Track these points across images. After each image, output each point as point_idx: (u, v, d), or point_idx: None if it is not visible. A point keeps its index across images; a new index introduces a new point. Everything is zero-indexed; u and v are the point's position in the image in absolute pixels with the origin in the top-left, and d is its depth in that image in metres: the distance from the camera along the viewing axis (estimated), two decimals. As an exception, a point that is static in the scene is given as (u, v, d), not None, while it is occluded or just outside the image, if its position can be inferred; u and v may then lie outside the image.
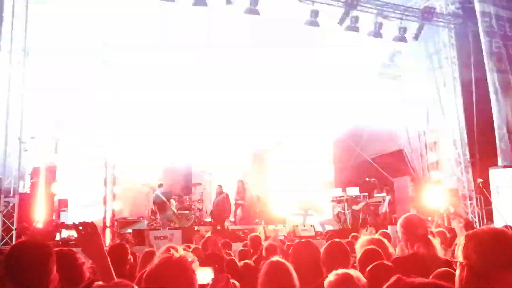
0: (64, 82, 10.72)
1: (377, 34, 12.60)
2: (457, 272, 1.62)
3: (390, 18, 12.73)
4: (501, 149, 12.11)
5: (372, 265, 2.97)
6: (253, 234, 8.29)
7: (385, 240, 3.90)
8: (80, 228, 2.22)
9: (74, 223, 2.25)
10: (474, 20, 12.70)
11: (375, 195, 14.44)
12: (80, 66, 11.34)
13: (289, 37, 12.14)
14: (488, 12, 12.73)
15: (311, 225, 12.91)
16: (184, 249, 5.35)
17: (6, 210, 9.32)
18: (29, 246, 2.14)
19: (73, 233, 9.09)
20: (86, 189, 13.78)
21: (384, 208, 13.72)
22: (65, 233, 10.33)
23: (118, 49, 11.75)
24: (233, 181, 14.66)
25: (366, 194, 14.41)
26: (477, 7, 12.66)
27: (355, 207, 14.02)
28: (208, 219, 13.92)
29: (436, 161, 13.42)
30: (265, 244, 6.27)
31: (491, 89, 12.39)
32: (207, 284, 2.36)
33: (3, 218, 9.25)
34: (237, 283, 3.39)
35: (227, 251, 6.72)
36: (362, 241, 3.89)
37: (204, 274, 2.36)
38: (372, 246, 3.58)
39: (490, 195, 11.31)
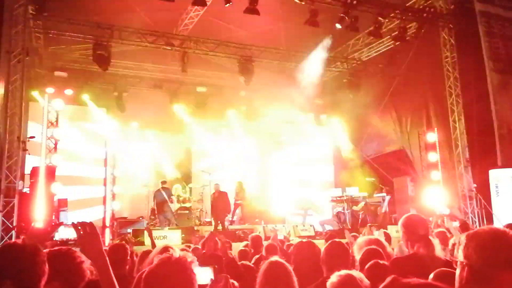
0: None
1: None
2: (457, 272, 1.61)
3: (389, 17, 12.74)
4: (500, 149, 12.09)
5: (368, 265, 2.97)
6: (254, 234, 8.29)
7: (382, 240, 3.90)
8: (79, 228, 2.21)
9: (73, 223, 2.25)
10: (474, 20, 12.69)
11: (375, 195, 14.43)
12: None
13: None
14: (487, 12, 12.73)
15: (310, 225, 12.93)
16: (184, 249, 5.34)
17: (5, 210, 9.32)
18: (16, 248, 2.12)
19: (73, 233, 9.07)
20: (86, 189, 13.80)
21: (383, 208, 13.72)
22: (64, 233, 10.33)
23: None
24: (233, 181, 14.66)
25: (366, 194, 14.41)
26: (477, 7, 12.66)
27: (355, 207, 14.03)
28: (208, 219, 13.92)
29: (436, 161, 13.41)
30: (265, 244, 6.27)
31: (490, 89, 12.37)
32: (207, 284, 2.35)
33: (3, 218, 9.25)
34: (236, 283, 3.38)
35: (228, 251, 6.72)
36: (360, 242, 3.89)
37: (204, 274, 2.35)
38: (373, 246, 3.58)
39: (489, 197, 11.29)
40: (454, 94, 13.22)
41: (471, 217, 12.46)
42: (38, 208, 9.86)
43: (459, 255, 1.62)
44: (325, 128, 17.39)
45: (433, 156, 13.40)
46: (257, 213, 14.32)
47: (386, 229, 8.55)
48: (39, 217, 9.70)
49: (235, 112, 16.51)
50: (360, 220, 13.64)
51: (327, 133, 17.31)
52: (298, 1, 11.58)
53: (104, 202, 12.85)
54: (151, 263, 2.12)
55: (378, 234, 6.36)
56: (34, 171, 10.61)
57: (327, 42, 13.96)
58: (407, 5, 13.17)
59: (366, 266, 2.99)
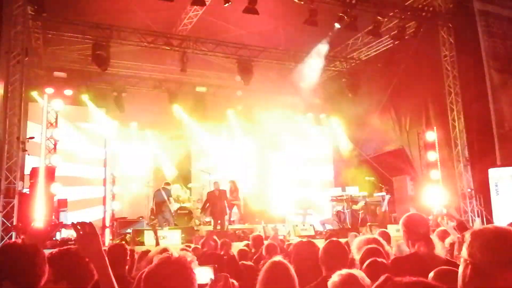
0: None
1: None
2: (460, 269, 1.61)
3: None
4: (500, 148, 12.09)
5: (367, 263, 2.97)
6: (255, 233, 8.30)
7: (380, 239, 3.90)
8: (78, 227, 2.21)
9: (72, 223, 2.24)
10: (473, 19, 12.70)
11: (375, 195, 14.43)
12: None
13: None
14: (486, 11, 12.73)
15: (310, 225, 12.91)
16: (184, 249, 5.34)
17: (5, 211, 9.31)
18: (16, 248, 2.11)
19: (72, 233, 9.08)
20: (85, 189, 13.80)
21: (383, 207, 13.72)
22: (64, 233, 10.34)
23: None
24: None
25: (366, 193, 14.41)
26: (476, 5, 12.66)
27: (354, 207, 14.03)
28: (208, 219, 13.89)
29: (435, 160, 13.41)
30: (265, 243, 6.27)
31: (489, 87, 12.38)
32: (207, 283, 2.35)
33: (3, 218, 9.24)
34: (236, 283, 3.38)
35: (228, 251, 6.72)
36: (358, 241, 3.89)
37: (204, 274, 2.35)
38: (373, 245, 3.58)
39: (489, 196, 11.29)
40: (453, 93, 13.22)
41: (471, 216, 12.46)
42: (38, 209, 9.86)
43: (463, 253, 1.62)
44: (325, 127, 17.40)
45: (433, 155, 13.39)
46: (257, 212, 14.30)
47: (386, 228, 8.55)
48: (39, 217, 9.70)
49: (235, 112, 16.51)
50: (360, 219, 13.64)
51: (326, 133, 17.33)
52: (297, 1, 11.57)
53: (104, 202, 12.81)
54: (150, 263, 2.12)
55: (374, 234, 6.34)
56: (34, 172, 10.60)
57: (326, 42, 13.96)
58: (406, 4, 13.17)
59: (365, 265, 2.99)
